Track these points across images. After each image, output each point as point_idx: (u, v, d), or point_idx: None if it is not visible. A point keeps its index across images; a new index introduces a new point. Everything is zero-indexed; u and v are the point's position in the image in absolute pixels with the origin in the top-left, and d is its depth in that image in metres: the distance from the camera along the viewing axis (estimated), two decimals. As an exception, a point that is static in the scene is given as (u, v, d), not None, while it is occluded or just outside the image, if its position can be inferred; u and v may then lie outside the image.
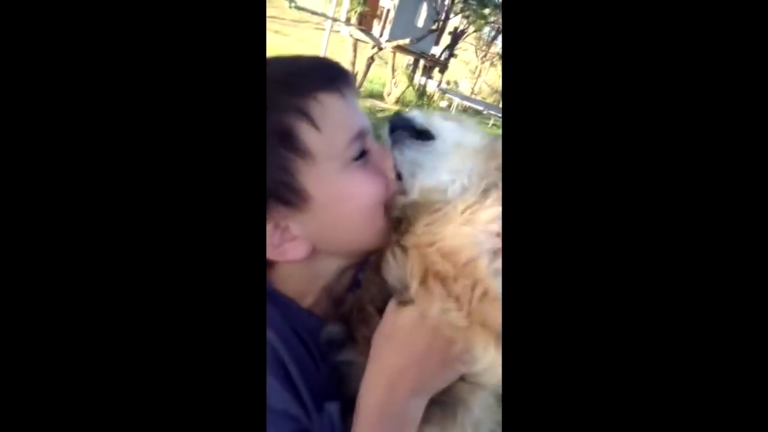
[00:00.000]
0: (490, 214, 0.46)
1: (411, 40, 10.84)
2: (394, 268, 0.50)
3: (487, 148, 0.54)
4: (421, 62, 13.29)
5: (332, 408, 0.51)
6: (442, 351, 0.47)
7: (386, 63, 12.23)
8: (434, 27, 12.22)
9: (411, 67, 13.44)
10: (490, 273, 0.44)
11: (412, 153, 0.55)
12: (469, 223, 0.47)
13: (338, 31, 11.00)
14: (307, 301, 0.58)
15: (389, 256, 0.51)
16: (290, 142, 0.50)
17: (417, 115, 0.58)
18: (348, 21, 10.65)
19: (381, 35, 11.72)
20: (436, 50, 13.39)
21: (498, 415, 0.53)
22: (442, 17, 12.07)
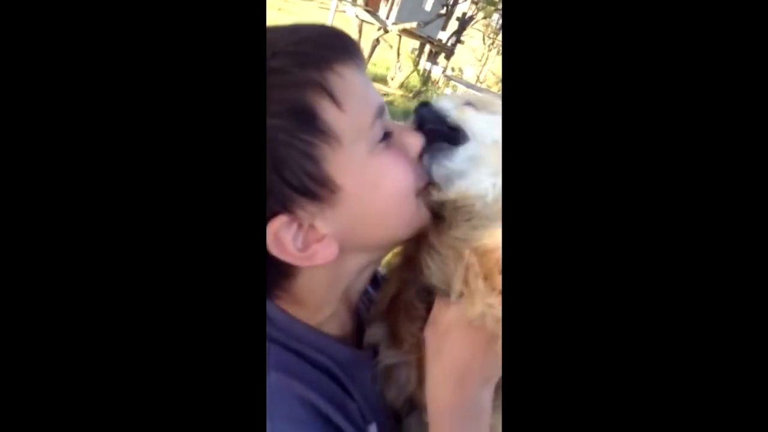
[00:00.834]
0: None
1: (418, 24, 10.66)
2: (435, 271, 0.49)
3: None
4: (427, 47, 13.10)
5: (372, 430, 0.50)
6: (496, 341, 0.45)
7: (391, 46, 12.03)
8: (442, 11, 12.01)
9: (416, 52, 13.25)
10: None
11: (450, 163, 0.50)
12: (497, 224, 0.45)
13: (343, 11, 10.80)
14: (325, 312, 0.53)
15: (428, 260, 0.50)
16: (312, 124, 0.43)
17: (448, 108, 0.52)
18: (354, 1, 10.44)
19: (387, 17, 11.50)
20: (443, 35, 13.19)
21: None
22: (451, 2, 11.86)
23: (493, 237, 0.45)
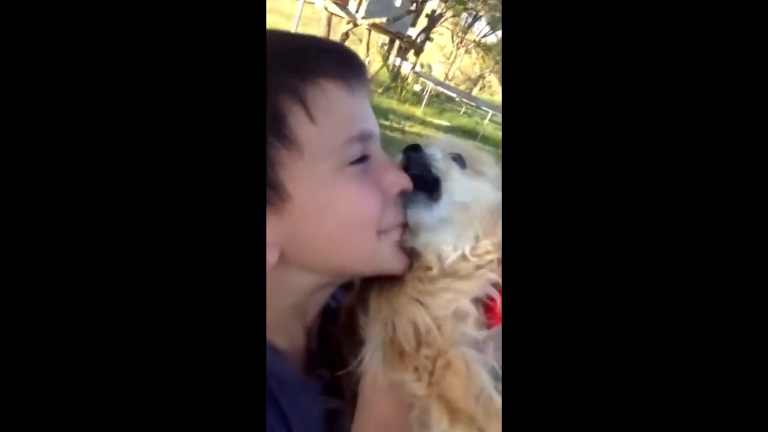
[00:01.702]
0: (472, 284, 0.46)
1: (388, 20, 10.64)
2: (366, 326, 0.49)
3: (497, 207, 0.51)
4: (397, 43, 13.12)
5: None
6: (411, 409, 0.45)
7: (360, 41, 11.97)
8: (412, 8, 12.03)
9: (386, 47, 13.24)
10: (457, 342, 0.44)
11: (425, 216, 0.49)
12: (446, 290, 0.46)
13: (312, 3, 10.63)
14: (272, 320, 0.48)
15: (363, 311, 0.49)
16: (277, 127, 0.42)
17: (437, 158, 0.51)
18: (323, -7, 10.30)
19: (357, 11, 11.42)
20: (412, 32, 13.23)
21: None
22: (421, -2, 11.90)
23: (423, 312, 0.45)
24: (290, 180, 0.43)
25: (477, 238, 0.48)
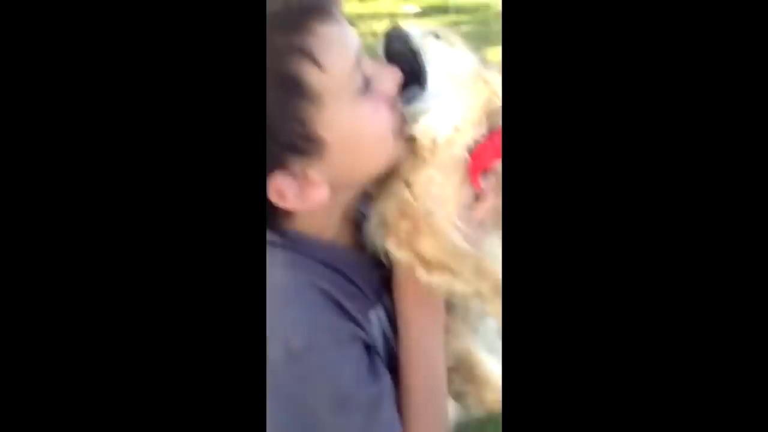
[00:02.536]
0: (454, 150, 0.54)
1: None
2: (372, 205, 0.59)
3: (477, 70, 0.57)
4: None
5: (376, 314, 0.60)
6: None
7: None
8: None
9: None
10: (430, 209, 0.53)
11: (419, 104, 0.55)
12: (439, 167, 0.54)
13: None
14: (328, 233, 0.60)
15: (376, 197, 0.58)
16: (299, 90, 0.49)
17: (416, 37, 0.56)
18: None
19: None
20: None
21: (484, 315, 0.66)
22: None
23: (420, 185, 0.52)
24: (322, 128, 0.50)
25: (464, 105, 0.55)
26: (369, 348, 0.58)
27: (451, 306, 0.62)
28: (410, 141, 0.55)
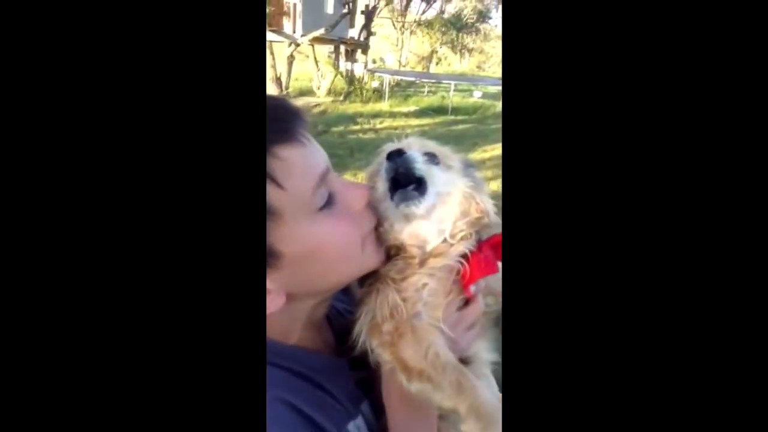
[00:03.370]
0: (443, 259, 0.56)
1: (326, 29, 10.63)
2: (359, 306, 0.60)
3: (469, 193, 0.60)
4: (342, 48, 13.10)
5: (358, 424, 0.57)
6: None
7: (307, 57, 11.98)
8: (345, 10, 12.02)
9: (333, 55, 13.23)
10: (416, 314, 0.55)
11: (415, 209, 0.57)
12: (418, 272, 0.56)
13: (250, 37, 10.60)
14: (293, 338, 0.59)
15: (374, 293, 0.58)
16: None
17: (417, 159, 0.59)
18: (257, 24, 10.28)
19: (294, 31, 11.43)
20: (353, 33, 13.22)
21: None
22: (350, -2, 11.90)
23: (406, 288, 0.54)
24: (279, 242, 0.49)
25: (454, 221, 0.58)
26: None
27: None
28: (400, 247, 0.59)
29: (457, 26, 26.36)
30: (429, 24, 24.95)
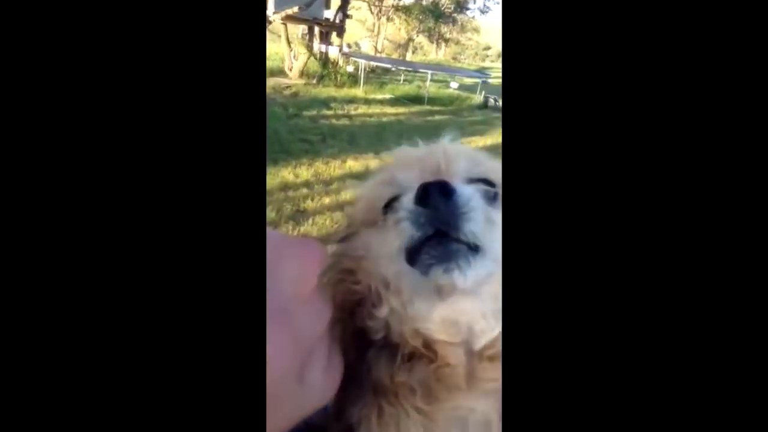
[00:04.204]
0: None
1: (300, 8, 10.20)
2: None
3: None
4: (316, 29, 12.66)
5: None
6: None
7: (279, 36, 11.49)
8: (321, -11, 11.60)
9: (307, 36, 12.78)
10: None
11: (456, 278, 0.33)
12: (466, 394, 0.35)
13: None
14: None
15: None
16: None
17: (475, 207, 0.36)
18: None
19: (266, 8, 10.93)
20: (328, 14, 12.79)
21: None
22: (327, -23, 11.47)
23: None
24: None
25: None
26: None
27: None
28: (422, 346, 0.36)
29: (435, 14, 26.06)
30: (407, 10, 24.58)
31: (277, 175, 4.40)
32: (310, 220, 3.55)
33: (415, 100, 10.58)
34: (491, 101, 10.97)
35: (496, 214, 0.35)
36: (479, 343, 0.33)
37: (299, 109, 7.53)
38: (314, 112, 7.61)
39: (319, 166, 4.92)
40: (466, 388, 0.32)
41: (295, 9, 9.96)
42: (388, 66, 14.67)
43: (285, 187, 4.15)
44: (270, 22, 10.00)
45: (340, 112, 8.06)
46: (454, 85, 13.07)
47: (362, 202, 0.42)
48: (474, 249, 0.33)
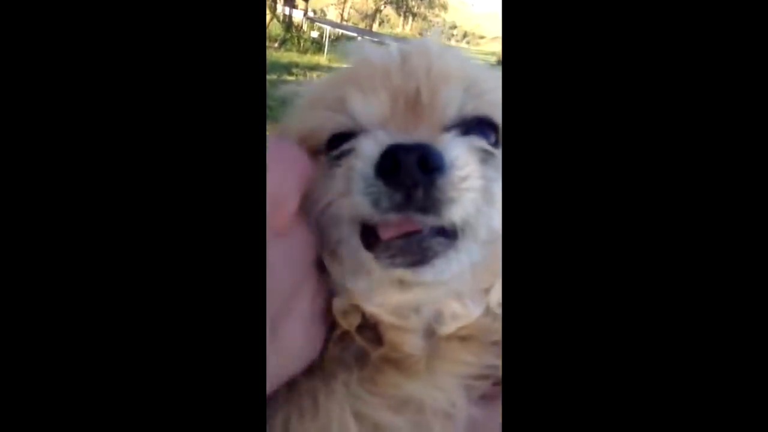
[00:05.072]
0: (480, 352, 0.32)
1: (264, -36, 9.72)
2: None
3: None
4: (281, -11, 12.15)
5: None
6: None
7: (242, -7, 10.93)
8: (287, -53, 11.09)
9: (271, -4, 12.24)
10: None
11: (426, 274, 0.27)
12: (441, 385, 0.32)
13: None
14: None
15: None
16: None
17: (460, 159, 0.31)
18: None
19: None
20: (295, -26, 12.27)
21: None
22: (295, -66, 10.96)
23: None
24: None
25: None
26: None
27: None
28: (376, 328, 0.31)
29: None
30: (375, -21, 23.99)
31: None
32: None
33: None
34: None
35: (495, 184, 0.27)
36: (448, 329, 0.28)
37: (259, 71, 7.31)
38: (275, 77, 7.39)
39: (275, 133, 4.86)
40: (426, 372, 0.27)
41: (260, -35, 9.50)
42: (354, 35, 14.37)
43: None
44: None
45: (302, 78, 7.89)
46: (418, 61, 12.99)
47: (300, 126, 0.31)
48: (457, 236, 0.26)
